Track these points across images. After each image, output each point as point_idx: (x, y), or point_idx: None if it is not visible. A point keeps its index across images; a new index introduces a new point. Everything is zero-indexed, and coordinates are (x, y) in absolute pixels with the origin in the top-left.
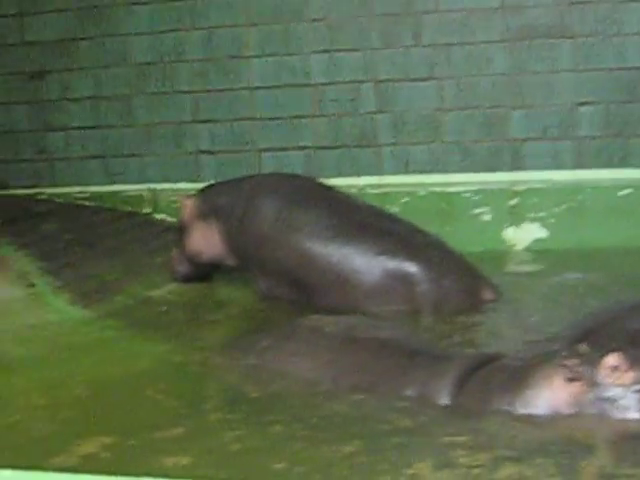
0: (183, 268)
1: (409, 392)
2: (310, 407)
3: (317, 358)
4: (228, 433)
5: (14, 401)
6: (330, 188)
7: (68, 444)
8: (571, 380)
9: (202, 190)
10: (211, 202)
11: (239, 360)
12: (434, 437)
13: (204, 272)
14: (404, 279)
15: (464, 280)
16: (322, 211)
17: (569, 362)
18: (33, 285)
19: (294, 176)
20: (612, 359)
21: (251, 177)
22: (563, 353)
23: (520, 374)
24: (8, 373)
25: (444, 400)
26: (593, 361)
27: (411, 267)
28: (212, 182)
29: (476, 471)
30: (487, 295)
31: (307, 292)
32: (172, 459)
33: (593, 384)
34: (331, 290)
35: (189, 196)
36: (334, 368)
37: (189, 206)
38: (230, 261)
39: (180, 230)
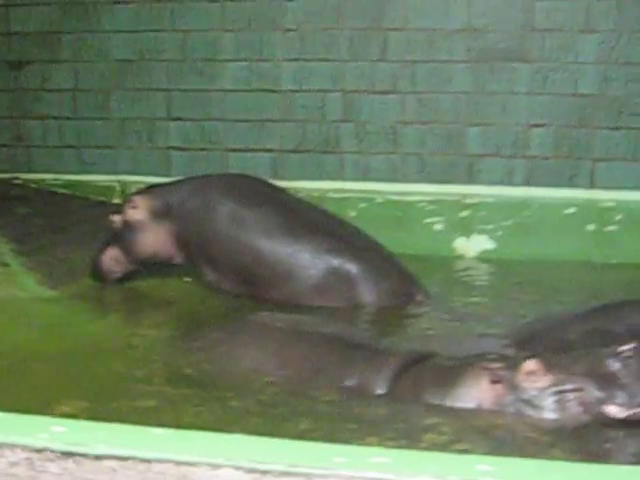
0: (121, 268)
1: (348, 382)
2: (259, 389)
3: (264, 349)
4: (191, 408)
5: None
6: (279, 189)
7: (46, 405)
8: (494, 382)
9: (150, 189)
10: (163, 202)
11: (192, 348)
12: (375, 421)
13: (138, 271)
14: (346, 278)
15: (400, 283)
16: (273, 210)
17: (493, 366)
18: (6, 265)
19: (244, 176)
20: (530, 364)
21: (202, 177)
22: (489, 357)
23: (451, 373)
24: None
25: (380, 391)
26: (514, 366)
27: (353, 268)
28: (176, 178)
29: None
30: (419, 297)
31: (256, 286)
32: None
33: (513, 387)
34: (279, 285)
35: (137, 195)
36: (280, 358)
37: (142, 205)
38: (178, 259)
39: (124, 228)
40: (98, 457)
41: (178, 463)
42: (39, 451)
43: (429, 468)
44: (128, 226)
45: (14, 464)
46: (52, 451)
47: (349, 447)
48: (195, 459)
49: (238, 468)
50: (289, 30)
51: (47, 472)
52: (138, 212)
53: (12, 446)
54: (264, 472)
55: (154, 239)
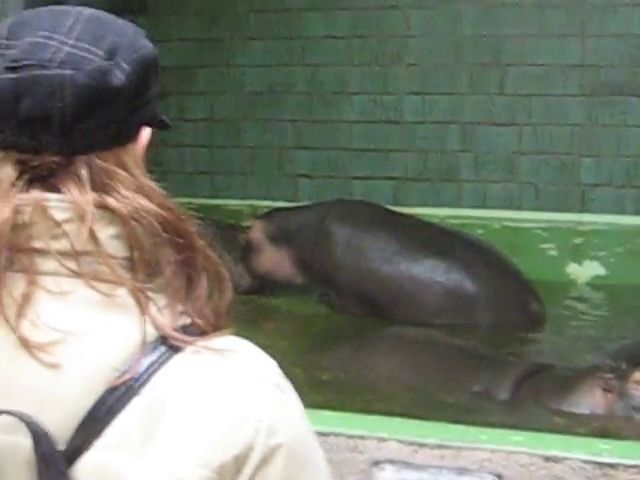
0: (245, 283)
1: (475, 388)
2: (398, 393)
3: (399, 357)
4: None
5: None
6: (395, 213)
7: None
8: (606, 391)
9: (270, 214)
10: (281, 227)
11: (328, 358)
12: (505, 424)
13: (267, 287)
14: (464, 297)
15: (517, 296)
16: (389, 237)
17: (606, 376)
18: None
19: (361, 203)
20: (638, 374)
21: (318, 204)
22: (602, 368)
23: (569, 382)
24: None
25: (504, 396)
26: (624, 376)
27: (470, 287)
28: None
29: None
30: (535, 307)
31: (379, 309)
32: None
33: (623, 394)
34: (400, 307)
35: (258, 219)
36: (414, 365)
37: (259, 228)
38: (299, 281)
39: (247, 247)
40: None
41: (350, 436)
42: None
43: (557, 445)
44: (249, 246)
45: None
46: None
47: (491, 429)
48: (364, 433)
49: (400, 441)
50: (411, 65)
51: None
52: (256, 234)
53: None
54: (421, 445)
55: (270, 260)
